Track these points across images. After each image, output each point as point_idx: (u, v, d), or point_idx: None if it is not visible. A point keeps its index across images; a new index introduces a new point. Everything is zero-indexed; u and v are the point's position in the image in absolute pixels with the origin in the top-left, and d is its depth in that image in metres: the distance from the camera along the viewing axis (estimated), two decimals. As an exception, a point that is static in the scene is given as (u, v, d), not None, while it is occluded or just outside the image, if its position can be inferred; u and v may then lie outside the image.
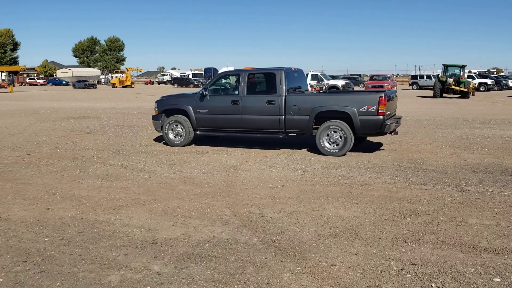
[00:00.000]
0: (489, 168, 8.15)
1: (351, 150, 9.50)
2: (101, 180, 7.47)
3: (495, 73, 67.49)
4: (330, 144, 9.47)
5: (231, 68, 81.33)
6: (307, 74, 33.16)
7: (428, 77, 50.50)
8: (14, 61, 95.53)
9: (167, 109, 11.13)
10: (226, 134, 10.73)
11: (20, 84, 77.29)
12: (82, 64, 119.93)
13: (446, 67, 33.80)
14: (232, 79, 11.18)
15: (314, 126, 9.67)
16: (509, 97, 32.88)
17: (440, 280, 3.79)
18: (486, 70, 69.72)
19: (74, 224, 5.33)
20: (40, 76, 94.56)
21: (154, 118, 11.38)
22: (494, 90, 44.38)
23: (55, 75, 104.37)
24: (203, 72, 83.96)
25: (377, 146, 10.58)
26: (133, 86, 67.58)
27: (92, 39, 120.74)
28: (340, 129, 9.29)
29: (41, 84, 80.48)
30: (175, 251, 4.49)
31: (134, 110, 22.13)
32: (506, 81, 48.41)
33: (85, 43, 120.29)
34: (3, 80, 61.45)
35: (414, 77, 54.55)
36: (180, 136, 10.80)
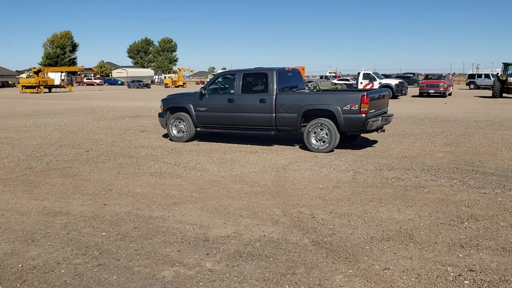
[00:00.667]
0: (555, 172, 7.69)
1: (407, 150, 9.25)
2: (155, 177, 7.67)
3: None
4: (317, 141, 9.94)
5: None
6: (359, 73, 32.61)
7: (487, 76, 48.34)
8: (73, 62, 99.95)
9: (171, 107, 11.87)
10: (223, 131, 11.55)
11: (78, 84, 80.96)
12: (137, 64, 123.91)
13: (506, 65, 32.17)
14: (229, 79, 11.59)
15: (302, 124, 10.11)
16: None
17: (501, 289, 3.63)
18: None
19: (129, 219, 5.50)
20: (97, 76, 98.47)
21: (160, 115, 12.13)
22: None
23: (111, 75, 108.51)
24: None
25: (434, 148, 10.25)
26: (185, 86, 69.04)
27: (146, 40, 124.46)
28: (325, 126, 9.73)
29: (98, 84, 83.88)
30: (227, 249, 4.54)
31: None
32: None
33: (139, 44, 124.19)
34: (62, 80, 64.44)
35: (471, 76, 52.40)
36: (183, 132, 11.53)
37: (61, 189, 6.96)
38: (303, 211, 5.75)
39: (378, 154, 9.59)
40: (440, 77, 34.90)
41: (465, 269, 3.99)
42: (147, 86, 67.63)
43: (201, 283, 3.82)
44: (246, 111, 10.66)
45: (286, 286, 3.74)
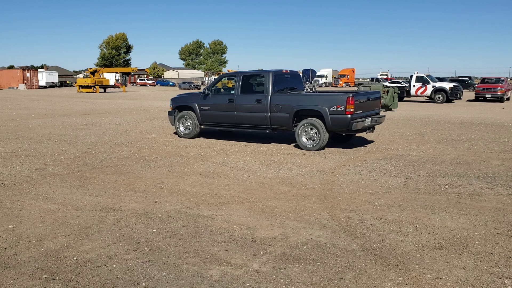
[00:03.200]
0: None
1: (459, 156, 8.91)
2: (204, 177, 7.79)
3: None
4: (307, 140, 10.51)
5: (329, 70, 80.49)
6: (411, 76, 31.74)
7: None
8: (127, 63, 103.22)
9: (179, 105, 12.76)
10: (224, 129, 12.33)
11: (131, 84, 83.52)
12: (188, 66, 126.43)
13: None
14: (231, 80, 12.50)
15: (294, 123, 10.73)
16: None
17: None
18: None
19: (179, 217, 5.61)
20: (150, 77, 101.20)
21: (170, 113, 13.04)
22: None
23: (163, 76, 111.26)
24: (301, 74, 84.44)
25: (490, 154, 9.82)
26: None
27: (197, 42, 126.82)
28: (315, 126, 10.30)
29: (150, 85, 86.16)
30: (274, 251, 4.53)
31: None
32: None
33: (191, 46, 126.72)
34: (117, 80, 66.70)
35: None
36: (189, 129, 12.40)
37: (114, 186, 7.20)
38: (351, 216, 5.66)
39: (431, 160, 9.29)
40: (497, 81, 33.36)
41: (524, 283, 3.79)
42: (197, 87, 68.82)
43: (248, 284, 3.83)
44: (244, 111, 11.40)
45: (333, 291, 3.69)
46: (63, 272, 4.07)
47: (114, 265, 4.22)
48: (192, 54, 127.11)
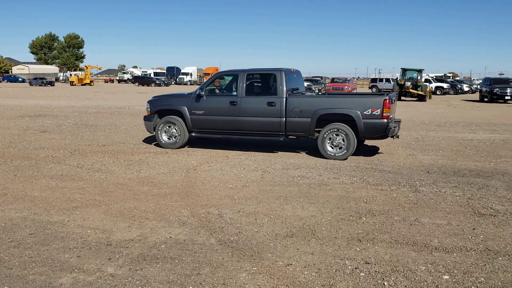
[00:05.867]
0: (443, 169, 8.43)
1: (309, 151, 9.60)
2: (56, 180, 7.25)
3: (451, 77, 69.77)
4: (332, 148, 9.33)
5: (193, 68, 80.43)
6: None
7: (387, 80, 51.73)
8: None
9: (160, 109, 10.70)
10: (223, 136, 10.50)
11: (-28, 80, 74.13)
12: (40, 61, 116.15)
13: (404, 70, 34.78)
14: (230, 80, 10.80)
15: (315, 129, 9.49)
16: (464, 101, 34.10)
17: (393, 279, 3.89)
18: (442, 74, 71.97)
19: (25, 225, 5.14)
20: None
21: (146, 118, 10.95)
22: (449, 94, 45.81)
23: (11, 71, 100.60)
24: (165, 71, 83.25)
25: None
26: (92, 84, 66.04)
27: (50, 36, 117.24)
28: (342, 132, 9.15)
29: (-5, 81, 77.39)
30: (130, 253, 4.41)
31: (92, 109, 21.62)
32: (461, 85, 50.18)
33: (43, 39, 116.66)
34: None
35: (373, 80, 55.76)
36: (174, 137, 10.44)
37: None
38: (211, 211, 5.75)
39: (286, 154, 9.86)
40: (345, 80, 36.88)
41: (362, 262, 4.23)
42: (51, 83, 63.66)
43: (102, 289, 3.67)
44: (251, 115, 9.80)
45: (190, 287, 3.71)
46: None
47: None
48: (44, 48, 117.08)
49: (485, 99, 31.92)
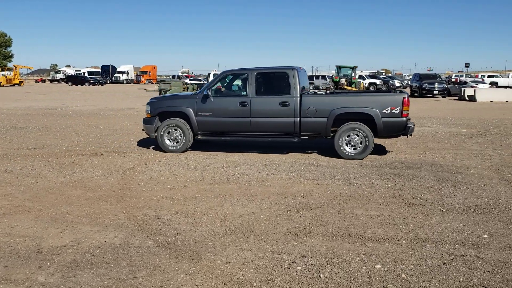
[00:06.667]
0: (375, 162, 8.76)
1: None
2: (-20, 188, 6.82)
3: (383, 74, 72.79)
4: (350, 147, 9.19)
5: (130, 66, 78.37)
6: (209, 74, 33.18)
7: (323, 77, 53.05)
8: None
9: (162, 111, 10.10)
10: (233, 139, 10.10)
11: None
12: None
13: (339, 68, 35.90)
14: (238, 79, 10.49)
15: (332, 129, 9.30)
16: (395, 96, 35.58)
17: (328, 271, 3.99)
18: (375, 71, 74.93)
19: None
20: None
21: (146, 121, 10.28)
22: (382, 90, 47.85)
23: None
24: (100, 70, 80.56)
25: (265, 147, 10.88)
26: (22, 84, 62.59)
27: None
28: (361, 131, 9.03)
29: None
30: (63, 260, 4.23)
31: (22, 111, 20.52)
32: (393, 81, 52.38)
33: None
34: None
35: (310, 77, 56.93)
36: (177, 141, 9.90)
37: None
38: (148, 213, 5.64)
39: (226, 152, 9.85)
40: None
41: (299, 256, 4.31)
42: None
43: (31, 300, 3.50)
44: (263, 116, 9.46)
45: (126, 292, 3.62)
46: None
47: None
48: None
49: (415, 94, 33.54)
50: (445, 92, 33.36)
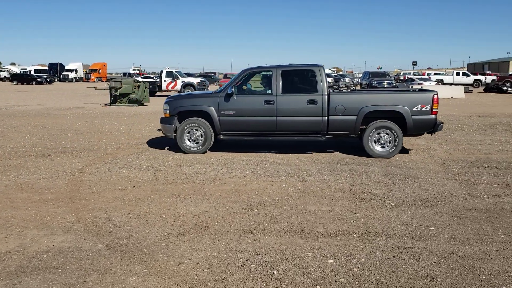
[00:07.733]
0: (327, 158, 8.93)
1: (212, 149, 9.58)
2: None
3: (335, 72, 74.36)
4: (378, 145, 9.10)
5: (78, 64, 75.77)
6: (162, 72, 32.68)
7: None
8: None
9: (182, 111, 9.71)
10: (257, 138, 9.72)
11: None
12: None
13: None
14: (263, 77, 10.13)
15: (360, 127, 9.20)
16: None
17: (282, 267, 4.03)
18: (328, 69, 76.50)
19: None
20: None
21: (164, 121, 9.84)
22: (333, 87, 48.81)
23: None
24: (47, 68, 77.60)
25: (218, 143, 10.84)
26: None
27: None
28: (390, 129, 8.96)
29: None
30: (7, 266, 4.04)
31: (-38, 111, 19.45)
32: (343, 79, 53.65)
33: None
34: None
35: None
36: (197, 142, 9.57)
37: None
38: (98, 215, 5.48)
39: (179, 151, 9.73)
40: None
41: (253, 253, 4.33)
42: None
43: (-28, 310, 3.32)
44: (290, 114, 9.23)
45: (76, 297, 3.51)
46: None
47: None
48: None
49: (366, 92, 34.45)
50: (394, 89, 34.49)
